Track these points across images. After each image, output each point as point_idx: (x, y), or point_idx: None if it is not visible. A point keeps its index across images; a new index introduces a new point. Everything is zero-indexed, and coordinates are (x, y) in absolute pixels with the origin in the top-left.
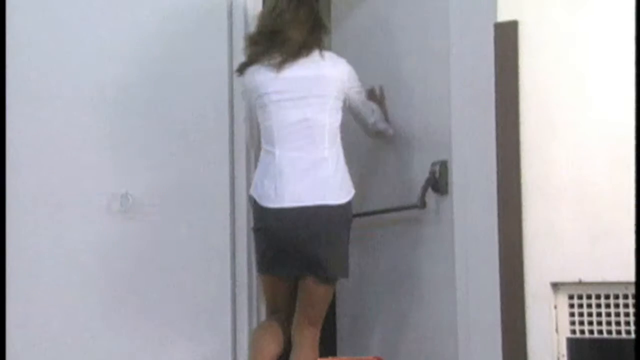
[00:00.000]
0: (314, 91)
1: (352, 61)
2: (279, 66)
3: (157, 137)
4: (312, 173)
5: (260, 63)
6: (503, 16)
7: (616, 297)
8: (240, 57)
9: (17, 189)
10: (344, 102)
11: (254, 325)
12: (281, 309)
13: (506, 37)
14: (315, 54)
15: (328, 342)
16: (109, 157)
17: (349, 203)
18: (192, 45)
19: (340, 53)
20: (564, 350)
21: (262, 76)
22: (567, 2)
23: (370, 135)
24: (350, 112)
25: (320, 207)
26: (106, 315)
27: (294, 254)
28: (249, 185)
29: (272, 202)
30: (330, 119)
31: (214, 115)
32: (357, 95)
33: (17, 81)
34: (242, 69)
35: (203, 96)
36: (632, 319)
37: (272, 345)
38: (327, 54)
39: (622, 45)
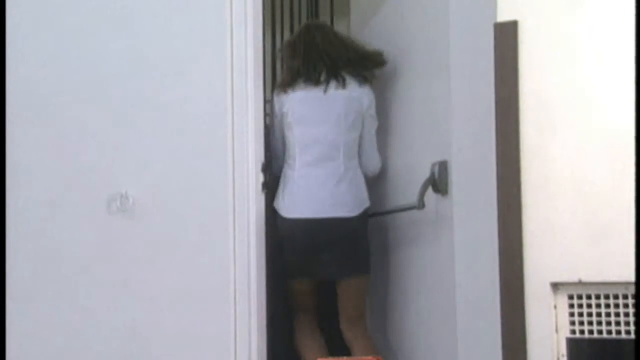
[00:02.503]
0: (334, 110)
1: None
2: (306, 88)
3: (157, 137)
4: (327, 187)
5: (293, 86)
6: (503, 16)
7: (616, 297)
8: (240, 57)
9: (17, 188)
10: (362, 122)
11: (254, 325)
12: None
13: (506, 37)
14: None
15: (335, 341)
16: (109, 157)
17: (361, 215)
18: (193, 45)
19: None
20: (564, 350)
21: (290, 97)
22: (567, 2)
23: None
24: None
25: (332, 219)
26: (106, 315)
27: (311, 260)
28: (250, 185)
29: (289, 212)
30: (346, 137)
31: (215, 115)
32: (369, 128)
33: (16, 81)
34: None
35: (204, 95)
36: (632, 319)
37: (323, 350)
38: (355, 78)
39: (622, 45)
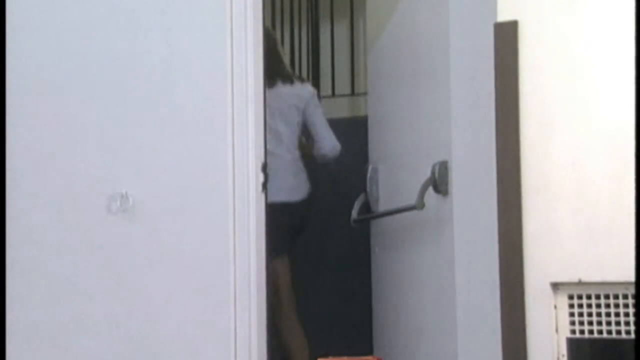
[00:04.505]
0: (277, 104)
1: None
2: (270, 84)
3: (157, 137)
4: (277, 176)
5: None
6: (503, 16)
7: (616, 297)
8: (240, 57)
9: (17, 188)
10: (303, 117)
11: (254, 325)
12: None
13: (506, 37)
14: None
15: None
16: (109, 157)
17: (305, 198)
18: (193, 45)
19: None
20: (564, 350)
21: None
22: (567, 2)
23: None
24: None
25: (285, 203)
26: (105, 315)
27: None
28: (250, 185)
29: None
30: (287, 129)
31: (215, 115)
32: (316, 114)
33: (16, 80)
34: None
35: (204, 96)
36: (632, 319)
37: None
38: (298, 79)
39: (622, 45)
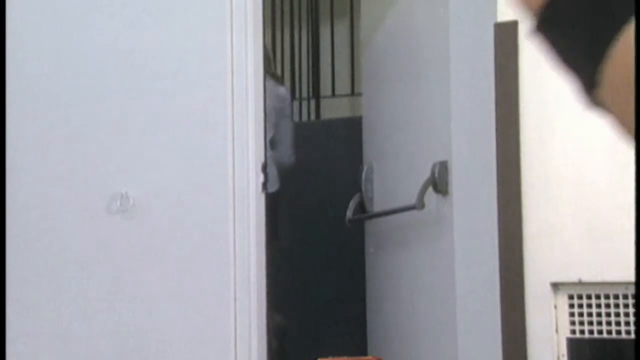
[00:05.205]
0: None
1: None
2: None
3: (157, 137)
4: None
5: None
6: (503, 16)
7: (616, 297)
8: (240, 57)
9: (17, 188)
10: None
11: (254, 325)
12: None
13: (506, 37)
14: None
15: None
16: (109, 157)
17: (277, 191)
18: (193, 45)
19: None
20: (564, 350)
21: None
22: None
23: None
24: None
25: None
26: (105, 315)
27: None
28: (250, 185)
29: None
30: (269, 126)
31: (216, 114)
32: (286, 123)
33: (17, 81)
34: None
35: (204, 96)
36: (632, 319)
37: None
38: (274, 78)
39: None
